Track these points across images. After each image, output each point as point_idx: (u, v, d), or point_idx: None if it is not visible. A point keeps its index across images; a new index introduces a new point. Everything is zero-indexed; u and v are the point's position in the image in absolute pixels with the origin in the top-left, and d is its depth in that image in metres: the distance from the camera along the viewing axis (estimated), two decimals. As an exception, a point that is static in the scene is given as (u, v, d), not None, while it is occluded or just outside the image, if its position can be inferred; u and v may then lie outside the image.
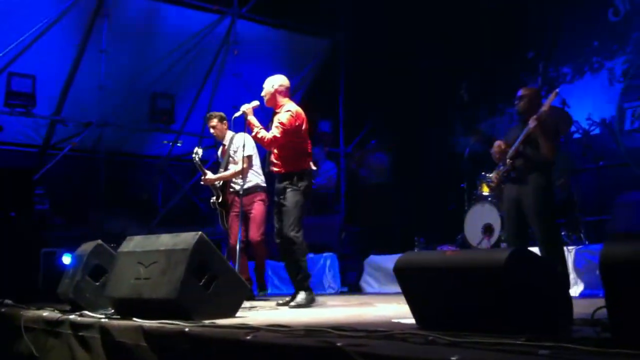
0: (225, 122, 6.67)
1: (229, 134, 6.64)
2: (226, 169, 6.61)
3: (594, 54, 9.58)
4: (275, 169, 5.62)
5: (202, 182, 6.70)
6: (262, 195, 6.52)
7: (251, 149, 6.38)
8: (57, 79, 9.87)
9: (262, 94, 5.69)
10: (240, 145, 6.16)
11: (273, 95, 5.62)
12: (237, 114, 5.68)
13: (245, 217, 6.25)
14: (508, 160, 5.44)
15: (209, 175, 6.56)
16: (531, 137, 5.33)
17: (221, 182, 6.57)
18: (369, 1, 11.40)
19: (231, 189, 6.56)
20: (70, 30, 9.52)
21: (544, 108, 5.32)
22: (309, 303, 5.35)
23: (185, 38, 10.36)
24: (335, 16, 11.37)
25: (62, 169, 9.53)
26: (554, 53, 9.82)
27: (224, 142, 6.72)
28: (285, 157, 5.54)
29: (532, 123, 5.25)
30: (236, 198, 6.37)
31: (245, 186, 6.22)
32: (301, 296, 5.38)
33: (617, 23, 9.32)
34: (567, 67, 9.87)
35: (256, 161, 6.58)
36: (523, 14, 10.06)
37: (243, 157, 6.03)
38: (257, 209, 6.45)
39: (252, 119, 5.59)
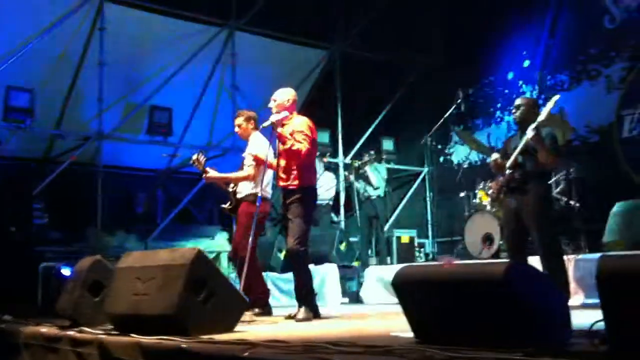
0: (252, 122, 6.31)
1: (253, 136, 6.27)
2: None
3: (591, 61, 9.60)
4: (283, 183, 5.56)
5: (204, 179, 6.46)
6: (249, 206, 6.03)
7: (263, 156, 5.98)
8: (56, 93, 9.89)
9: (274, 105, 5.61)
10: (252, 151, 6.03)
11: (285, 108, 5.60)
12: (265, 124, 5.60)
13: (241, 227, 6.07)
14: (507, 170, 5.43)
15: (211, 172, 6.27)
16: (530, 147, 5.32)
17: (233, 187, 6.28)
18: (365, 12, 11.46)
19: (237, 195, 6.30)
20: (68, 44, 9.54)
21: (542, 117, 5.32)
22: (309, 319, 5.32)
23: (183, 50, 10.38)
24: (332, 27, 11.39)
25: (61, 183, 9.53)
26: (551, 61, 9.84)
27: (248, 143, 6.34)
28: (297, 171, 5.47)
29: (530, 133, 5.25)
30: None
31: (242, 195, 6.13)
32: (302, 312, 5.36)
33: (614, 30, 9.34)
34: (564, 74, 9.90)
35: (269, 171, 6.18)
36: (519, 22, 10.09)
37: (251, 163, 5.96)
38: (239, 221, 6.14)
39: (283, 131, 5.45)
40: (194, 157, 6.30)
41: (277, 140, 5.54)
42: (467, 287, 2.93)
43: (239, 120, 6.36)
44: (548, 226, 5.39)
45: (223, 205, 6.49)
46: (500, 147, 10.39)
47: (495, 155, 5.61)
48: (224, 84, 10.91)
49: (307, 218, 5.44)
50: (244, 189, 6.16)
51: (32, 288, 7.13)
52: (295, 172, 5.48)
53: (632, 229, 6.49)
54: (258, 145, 6.09)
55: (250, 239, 5.43)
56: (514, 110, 5.62)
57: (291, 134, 5.42)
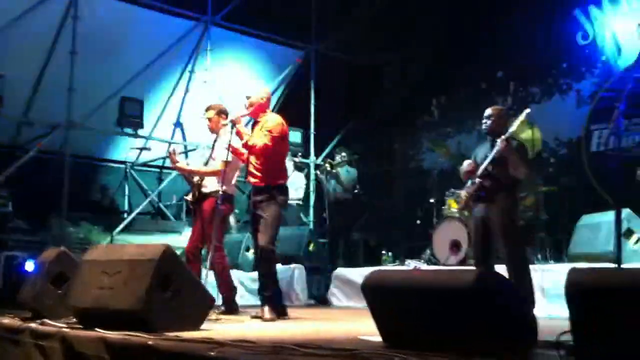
0: (223, 116, 6.17)
1: (223, 131, 6.13)
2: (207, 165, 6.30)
3: (562, 75, 9.75)
4: (253, 180, 5.57)
5: (172, 167, 6.47)
6: (215, 202, 5.90)
7: (230, 155, 5.92)
8: (26, 80, 9.71)
9: (248, 103, 5.62)
10: (221, 148, 5.96)
11: (259, 106, 5.60)
12: (224, 122, 5.60)
13: (202, 223, 6.03)
14: (477, 179, 5.48)
15: (181, 163, 6.31)
16: (500, 157, 5.37)
17: (199, 180, 6.19)
18: (342, 14, 11.48)
19: (202, 189, 6.19)
20: (40, 31, 9.38)
21: (513, 128, 5.38)
22: (273, 319, 5.31)
23: (157, 43, 10.27)
24: (308, 27, 11.39)
25: (27, 171, 9.35)
26: (524, 73, 9.96)
27: (217, 137, 6.26)
28: (266, 168, 5.50)
29: (501, 144, 5.30)
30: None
31: (208, 190, 6.07)
32: (267, 312, 5.34)
33: (586, 46, 9.50)
34: (536, 87, 10.03)
35: (236, 169, 6.21)
36: (494, 33, 10.20)
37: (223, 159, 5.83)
38: (206, 216, 6.02)
39: (241, 127, 5.52)
40: (170, 149, 6.32)
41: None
42: (437, 294, 2.95)
43: (210, 114, 6.24)
44: (515, 236, 5.45)
45: (186, 197, 6.46)
46: (469, 155, 10.54)
47: (467, 162, 5.65)
48: (196, 78, 10.82)
49: (277, 216, 5.44)
50: (210, 184, 6.09)
51: (-7, 277, 6.99)
52: (263, 170, 5.49)
53: (597, 242, 6.59)
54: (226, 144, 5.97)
55: (215, 237, 5.50)
56: (484, 120, 5.67)
57: (260, 131, 5.49)
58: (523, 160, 5.43)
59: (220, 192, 5.71)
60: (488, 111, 5.65)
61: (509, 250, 5.33)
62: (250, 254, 8.00)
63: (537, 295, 5.69)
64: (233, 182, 6.12)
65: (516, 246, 5.39)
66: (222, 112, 6.25)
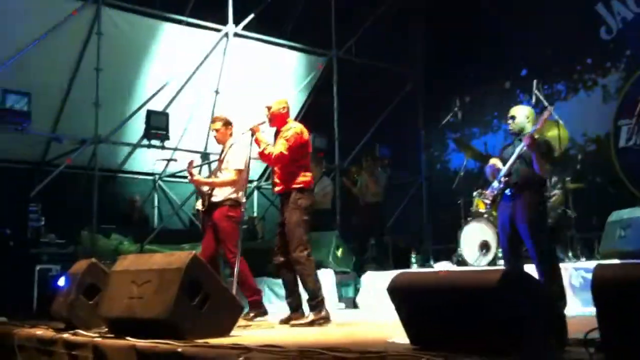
0: (230, 127, 6.33)
1: (230, 141, 6.31)
2: (216, 175, 6.43)
3: (587, 71, 9.65)
4: (276, 188, 5.62)
5: (189, 181, 6.58)
6: (229, 210, 6.10)
7: (242, 163, 6.10)
8: (53, 97, 9.89)
9: (268, 113, 5.65)
10: (234, 157, 6.08)
11: (280, 116, 5.64)
12: (244, 132, 5.66)
13: (216, 232, 6.12)
14: (502, 178, 5.45)
15: (197, 176, 6.41)
16: (525, 155, 5.34)
17: (209, 190, 6.27)
18: (363, 20, 11.50)
19: (212, 198, 6.27)
20: (65, 48, 9.55)
21: (538, 126, 5.34)
22: (320, 323, 5.28)
23: (181, 56, 10.39)
24: (331, 34, 11.41)
25: (57, 186, 9.52)
26: (548, 70, 9.88)
27: (224, 148, 6.38)
28: (286, 175, 5.53)
29: (525, 141, 5.27)
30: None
31: (219, 199, 6.12)
32: (310, 317, 5.34)
33: (610, 41, 9.40)
34: (561, 84, 9.94)
35: (245, 176, 6.24)
36: (517, 31, 10.13)
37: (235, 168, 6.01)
38: (222, 225, 6.09)
39: (259, 136, 5.56)
40: (188, 162, 6.35)
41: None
42: (462, 294, 2.94)
43: (217, 125, 6.34)
44: (542, 234, 5.40)
45: (198, 207, 6.52)
46: (495, 155, 10.47)
47: (492, 161, 5.63)
48: (219, 89, 10.91)
49: (299, 221, 5.41)
50: (220, 193, 6.14)
51: (28, 290, 7.12)
52: (283, 178, 5.53)
53: (628, 238, 6.50)
54: (239, 153, 6.10)
55: (236, 244, 5.57)
56: (509, 120, 5.64)
57: (279, 139, 5.54)
58: (548, 157, 5.39)
59: (240, 199, 5.85)
60: (513, 111, 5.63)
61: (537, 249, 5.28)
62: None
63: (569, 294, 5.63)
64: (243, 189, 6.19)
65: (543, 244, 5.34)
66: (229, 123, 6.37)
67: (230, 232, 5.96)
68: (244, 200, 6.19)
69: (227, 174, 6.16)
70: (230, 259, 5.86)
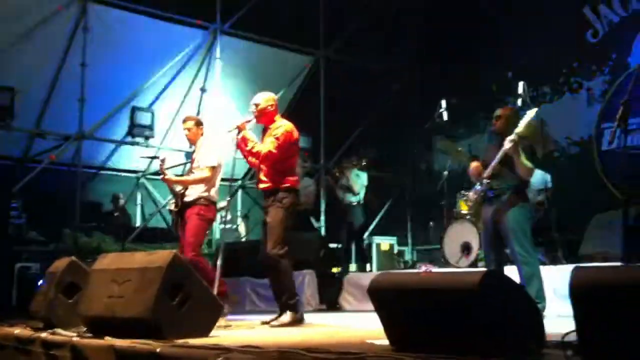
0: (201, 127, 6.33)
1: (201, 140, 6.30)
2: (189, 174, 6.37)
3: (573, 74, 9.70)
4: (262, 185, 5.55)
5: (161, 180, 6.52)
6: (201, 209, 6.02)
7: (215, 160, 6.10)
8: (37, 92, 9.81)
9: (255, 110, 5.59)
10: (205, 155, 6.06)
11: (268, 113, 5.59)
12: (230, 129, 5.62)
13: (183, 230, 6.05)
14: (485, 180, 5.47)
15: (169, 175, 6.35)
16: (507, 157, 5.36)
17: (182, 190, 6.20)
18: (350, 20, 11.50)
19: (185, 198, 6.17)
20: (51, 43, 9.48)
21: (520, 128, 5.35)
22: (294, 323, 5.27)
23: (167, 53, 10.34)
24: (317, 33, 11.41)
25: (40, 182, 9.45)
26: (535, 73, 9.92)
27: (195, 148, 6.38)
28: (272, 173, 5.47)
29: (508, 144, 5.29)
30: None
31: (191, 198, 6.05)
32: (285, 316, 5.33)
33: (596, 44, 9.45)
34: (547, 87, 9.98)
35: (220, 174, 6.25)
36: (503, 34, 10.17)
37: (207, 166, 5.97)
38: (192, 222, 6.00)
39: (247, 134, 5.51)
40: (160, 158, 6.33)
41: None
42: (442, 296, 2.93)
43: (189, 124, 6.31)
44: (524, 236, 5.42)
45: (170, 208, 6.44)
46: (481, 157, 10.52)
47: (475, 163, 5.64)
48: (206, 87, 10.89)
49: (281, 220, 5.36)
50: (193, 192, 6.08)
51: (7, 288, 7.06)
52: (270, 175, 5.48)
53: (609, 241, 6.54)
54: (211, 152, 6.08)
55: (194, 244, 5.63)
56: (494, 121, 5.66)
57: (268, 137, 5.49)
58: (530, 160, 5.41)
59: (205, 197, 5.84)
60: (498, 112, 5.66)
61: (519, 251, 5.30)
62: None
63: (549, 295, 5.64)
64: (216, 188, 6.16)
65: (525, 246, 5.36)
66: (200, 123, 6.38)
67: (198, 229, 5.90)
68: (216, 198, 6.17)
69: (199, 172, 6.11)
70: (192, 256, 5.72)
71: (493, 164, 5.40)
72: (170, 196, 10.76)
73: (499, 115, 5.61)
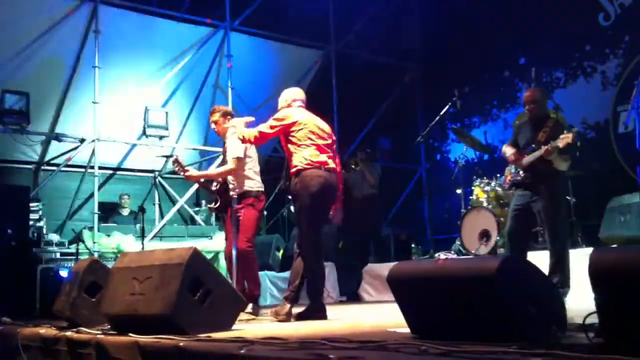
0: (229, 118, 6.05)
1: (230, 130, 5.91)
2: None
3: (586, 58, 9.63)
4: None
5: (184, 177, 6.26)
6: (251, 200, 5.85)
7: (240, 151, 5.87)
8: (52, 96, 9.90)
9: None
10: (232, 146, 5.86)
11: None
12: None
13: (237, 224, 5.84)
14: (521, 172, 5.57)
15: (191, 171, 6.18)
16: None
17: (218, 186, 6.09)
18: (360, 13, 11.48)
19: (231, 193, 5.97)
20: (63, 47, 9.55)
21: (561, 145, 5.30)
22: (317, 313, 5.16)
23: (179, 52, 10.38)
24: (327, 28, 11.41)
25: (57, 184, 9.54)
26: (547, 58, 9.86)
27: (225, 140, 6.14)
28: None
29: (546, 154, 5.38)
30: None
31: (237, 192, 5.88)
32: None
33: (608, 27, 9.38)
34: (559, 71, 9.92)
35: (251, 164, 5.99)
36: (514, 19, 10.11)
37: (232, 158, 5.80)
38: (244, 214, 5.82)
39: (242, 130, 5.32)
40: (172, 159, 6.20)
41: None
42: (460, 283, 2.94)
43: (216, 117, 6.11)
44: (560, 222, 5.47)
45: (209, 206, 6.35)
46: (495, 144, 10.51)
47: (510, 150, 5.74)
48: (219, 85, 10.93)
49: (311, 208, 5.11)
50: (237, 187, 5.88)
51: (30, 290, 7.14)
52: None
53: (627, 224, 6.50)
54: (236, 143, 5.73)
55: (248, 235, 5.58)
56: (526, 105, 5.68)
57: None
58: (568, 157, 5.47)
59: (251, 189, 5.77)
60: (528, 95, 5.66)
61: (552, 234, 5.34)
62: (280, 254, 8.06)
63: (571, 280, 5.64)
64: (258, 178, 5.97)
65: (560, 232, 5.41)
66: (227, 114, 6.16)
67: (251, 221, 5.75)
68: (262, 187, 5.99)
69: (227, 165, 5.94)
70: (245, 247, 5.66)
71: (531, 158, 5.52)
72: (191, 193, 10.88)
73: (533, 100, 5.63)
